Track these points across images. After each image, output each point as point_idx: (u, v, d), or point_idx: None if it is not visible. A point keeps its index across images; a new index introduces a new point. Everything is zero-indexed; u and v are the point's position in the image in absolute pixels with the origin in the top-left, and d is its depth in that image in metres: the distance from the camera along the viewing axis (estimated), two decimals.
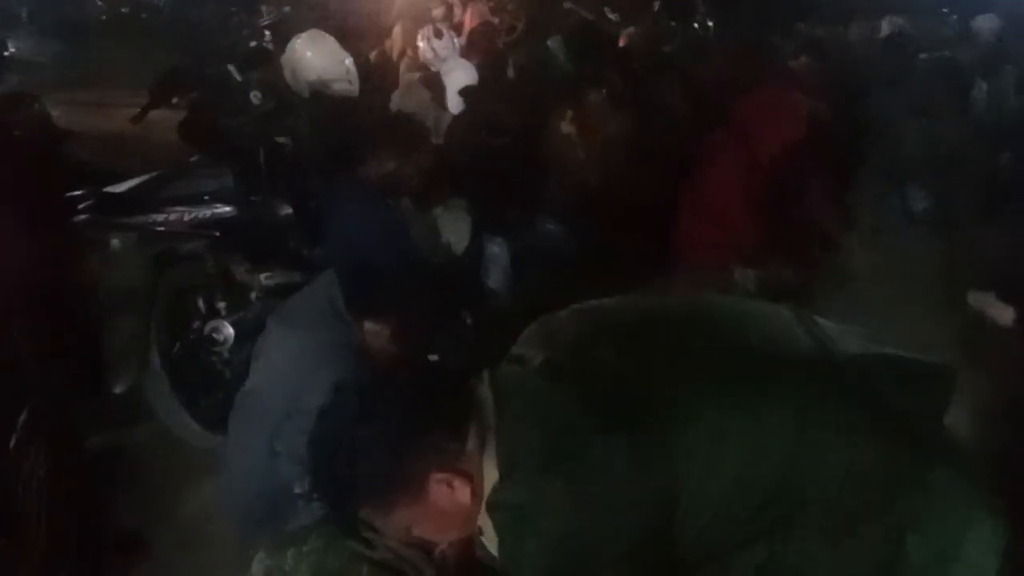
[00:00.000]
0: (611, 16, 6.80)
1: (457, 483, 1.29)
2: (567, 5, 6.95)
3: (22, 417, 2.25)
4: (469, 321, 3.43)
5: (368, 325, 2.60)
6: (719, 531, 1.20)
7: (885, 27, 5.30)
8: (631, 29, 5.84)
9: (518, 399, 1.27)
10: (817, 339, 1.30)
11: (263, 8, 6.01)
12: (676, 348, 1.29)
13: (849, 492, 1.18)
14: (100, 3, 8.09)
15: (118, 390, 2.73)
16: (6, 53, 5.71)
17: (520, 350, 1.35)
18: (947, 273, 3.82)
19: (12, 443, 2.20)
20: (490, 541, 1.34)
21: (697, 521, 1.19)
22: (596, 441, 1.19)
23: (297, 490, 2.45)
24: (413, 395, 1.35)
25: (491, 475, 1.29)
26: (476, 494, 1.30)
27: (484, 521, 1.33)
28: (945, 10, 6.07)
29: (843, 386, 1.24)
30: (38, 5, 7.61)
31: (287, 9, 5.58)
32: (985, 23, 5.13)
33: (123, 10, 8.20)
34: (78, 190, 2.86)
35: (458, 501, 1.29)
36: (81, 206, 2.81)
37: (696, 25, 6.68)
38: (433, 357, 3.11)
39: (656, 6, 6.86)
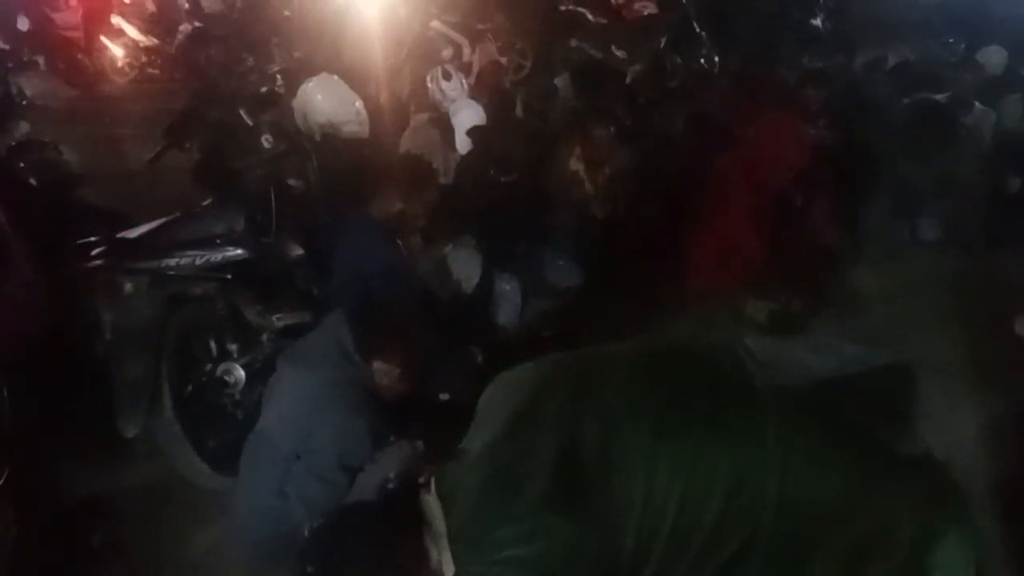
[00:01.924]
0: (618, 53, 6.87)
1: None
2: (574, 43, 7.03)
3: (3, 475, 2.27)
4: (479, 358, 3.42)
5: (377, 364, 2.60)
6: (669, 571, 1.20)
7: (891, 59, 5.32)
8: (637, 66, 5.90)
9: (463, 493, 1.28)
10: (758, 372, 1.30)
11: (275, 51, 6.12)
12: (615, 399, 1.29)
13: (792, 520, 1.17)
14: (119, 52, 8.26)
15: (129, 434, 2.73)
16: (24, 101, 5.83)
17: (465, 441, 1.37)
18: (957, 296, 3.80)
19: None
20: None
21: (644, 569, 1.19)
22: (537, 520, 1.22)
23: (306, 533, 2.44)
24: (371, 528, 1.36)
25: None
26: None
27: None
28: (951, 40, 6.09)
29: (784, 416, 1.24)
30: (54, 53, 7.78)
31: (298, 54, 5.67)
32: (991, 55, 5.14)
33: (133, 52, 8.36)
34: (91, 235, 2.89)
35: None
36: (94, 252, 2.83)
37: (702, 60, 6.74)
38: (444, 396, 3.11)
39: (662, 43, 6.93)
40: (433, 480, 1.35)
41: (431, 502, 1.33)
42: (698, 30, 6.96)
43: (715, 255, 3.68)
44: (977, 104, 4.61)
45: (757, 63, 5.80)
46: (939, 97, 4.41)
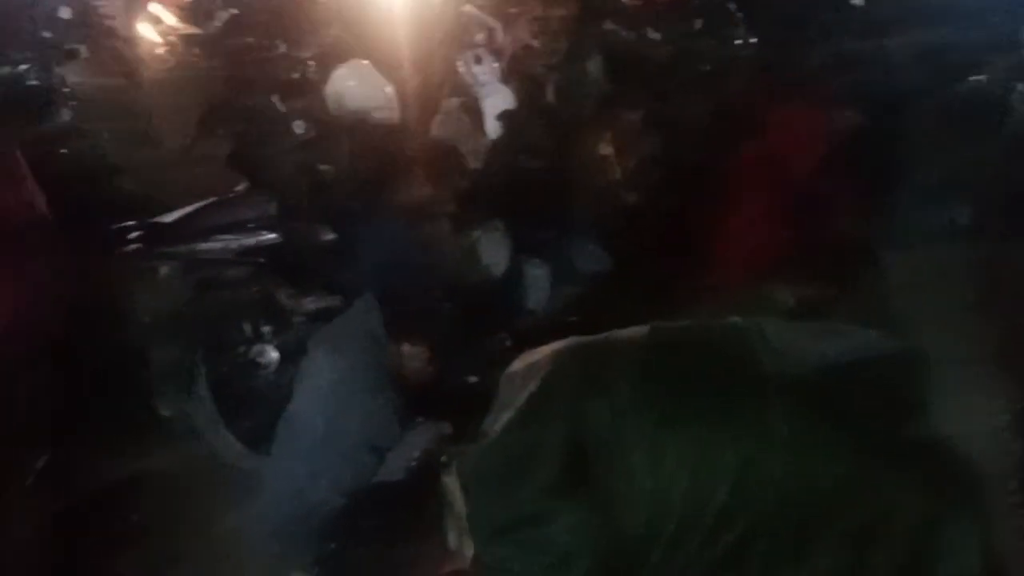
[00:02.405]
0: (652, 36, 6.79)
1: None
2: (608, 26, 6.97)
3: (39, 463, 2.34)
4: (508, 343, 3.45)
5: (406, 348, 2.65)
6: (673, 563, 1.21)
7: (930, 41, 5.20)
8: (671, 48, 5.83)
9: (479, 475, 1.31)
10: (768, 358, 1.31)
11: (308, 38, 6.14)
12: (624, 387, 1.31)
13: (797, 506, 1.18)
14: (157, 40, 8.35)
15: (166, 413, 2.81)
16: (66, 90, 5.93)
17: (485, 423, 1.39)
18: (985, 285, 3.73)
19: (30, 478, 2.28)
20: None
21: (650, 555, 1.20)
22: (545, 505, 1.24)
23: (328, 511, 2.49)
24: (388, 509, 1.38)
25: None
26: None
27: None
28: (995, 20, 5.92)
29: (786, 401, 1.24)
30: (94, 40, 7.88)
31: (330, 40, 5.69)
32: None
33: (172, 39, 8.43)
34: (128, 221, 2.97)
35: None
36: (131, 236, 2.91)
37: (738, 42, 6.64)
38: (473, 379, 3.15)
39: (698, 24, 6.83)
40: (455, 462, 1.38)
41: (451, 483, 1.36)
42: (734, 10, 6.86)
43: (743, 241, 3.65)
44: (1019, 86, 4.50)
45: (793, 45, 5.71)
46: (984, 80, 4.30)
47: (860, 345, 1.35)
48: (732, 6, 6.84)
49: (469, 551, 1.32)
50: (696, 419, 1.26)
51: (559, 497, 1.24)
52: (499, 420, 1.37)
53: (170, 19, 8.48)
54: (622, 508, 1.22)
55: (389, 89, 4.25)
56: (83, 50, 7.52)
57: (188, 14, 8.52)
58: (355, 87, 4.25)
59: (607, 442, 1.26)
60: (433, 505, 1.37)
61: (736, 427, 1.24)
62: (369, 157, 3.85)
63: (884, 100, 4.38)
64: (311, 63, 4.66)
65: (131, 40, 8.35)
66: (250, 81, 4.25)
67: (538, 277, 3.86)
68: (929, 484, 1.22)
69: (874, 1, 6.91)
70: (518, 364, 1.49)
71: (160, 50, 8.43)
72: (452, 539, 1.33)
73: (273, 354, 3.13)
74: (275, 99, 3.75)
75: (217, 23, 8.34)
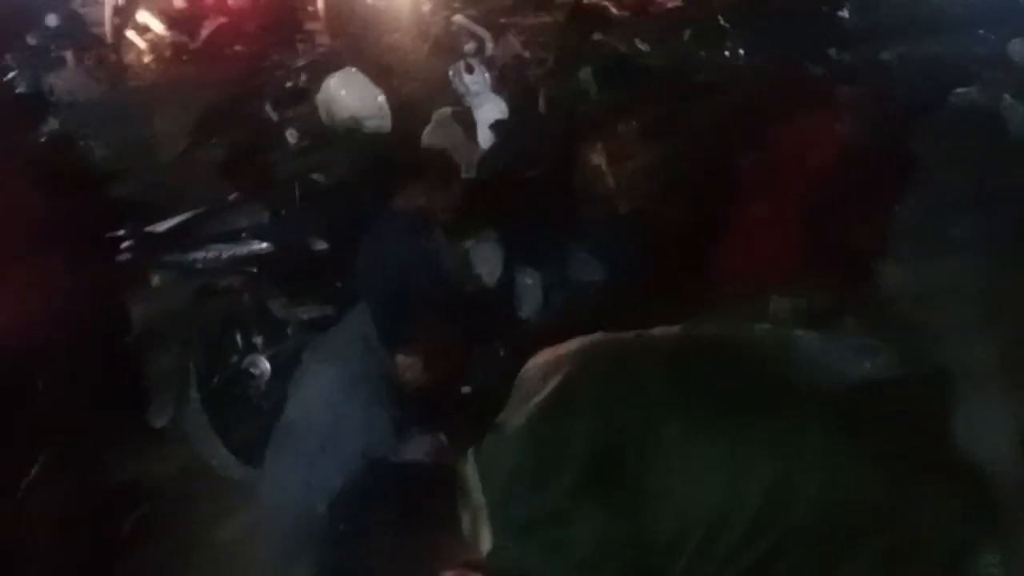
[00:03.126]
0: (641, 47, 6.83)
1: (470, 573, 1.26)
2: (597, 36, 7.00)
3: (39, 462, 2.32)
4: (503, 352, 3.44)
5: (401, 357, 2.63)
6: (699, 574, 1.19)
7: (921, 53, 5.25)
8: (661, 60, 5.87)
9: (499, 468, 1.27)
10: (803, 370, 1.29)
11: (299, 47, 6.15)
12: (655, 388, 1.27)
13: (825, 523, 1.16)
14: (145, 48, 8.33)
15: (158, 424, 2.78)
16: (55, 98, 5.89)
17: (502, 415, 1.36)
18: (992, 298, 3.74)
19: (24, 486, 2.25)
20: None
21: (676, 564, 1.17)
22: (569, 505, 1.20)
23: (338, 492, 2.46)
24: (400, 494, 1.34)
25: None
26: None
27: None
28: (981, 32, 5.98)
29: (823, 414, 1.22)
30: (80, 47, 7.85)
31: (322, 49, 5.71)
32: (1020, 47, 5.05)
33: (159, 47, 8.41)
34: (120, 229, 2.94)
35: None
36: (123, 245, 2.89)
37: (727, 53, 6.69)
38: (466, 389, 3.13)
39: (686, 35, 6.88)
40: (471, 451, 1.34)
41: (469, 472, 1.31)
42: (723, 23, 6.91)
43: (740, 252, 3.65)
44: (1006, 97, 4.54)
45: (783, 57, 5.75)
46: (976, 93, 4.34)
47: (892, 363, 1.32)
48: (721, 18, 6.90)
49: (485, 543, 1.28)
50: (729, 427, 1.22)
51: (584, 498, 1.20)
52: (518, 416, 1.32)
53: (158, 27, 8.48)
54: (649, 514, 1.19)
55: (381, 98, 4.26)
56: (70, 57, 7.53)
57: (176, 22, 8.54)
58: (347, 96, 4.26)
59: (635, 445, 1.22)
60: (447, 492, 1.32)
61: (770, 437, 1.20)
62: (362, 166, 3.84)
63: (876, 111, 4.41)
64: (303, 73, 4.67)
65: (118, 48, 8.34)
66: (243, 89, 4.24)
67: (531, 286, 3.85)
68: (964, 508, 1.20)
69: (863, 14, 7.00)
70: (538, 359, 1.44)
71: (147, 58, 8.43)
72: (466, 528, 1.29)
73: (265, 364, 3.10)
74: (268, 108, 3.74)
75: (205, 31, 8.35)
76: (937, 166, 4.13)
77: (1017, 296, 3.65)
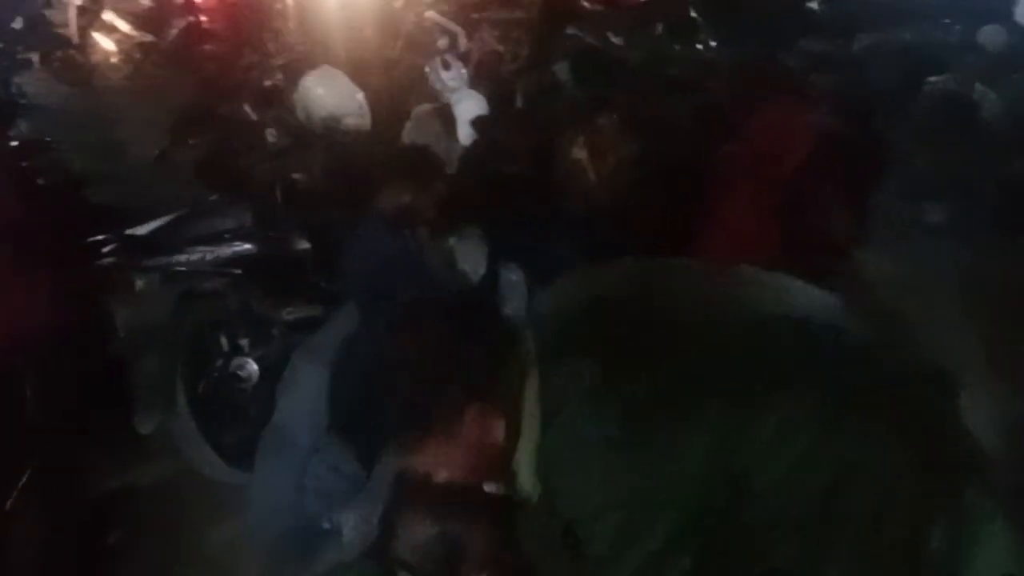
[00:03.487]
0: (615, 40, 6.85)
1: (492, 418, 1.22)
2: (570, 31, 7.01)
3: (23, 479, 2.28)
4: (488, 348, 3.42)
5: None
6: (776, 532, 1.12)
7: (893, 43, 5.33)
8: (636, 53, 5.89)
9: (571, 339, 1.21)
10: (805, 358, 1.23)
11: (271, 46, 6.09)
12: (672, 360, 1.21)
13: (820, 493, 1.11)
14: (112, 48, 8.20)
15: (145, 431, 2.74)
16: (24, 100, 5.79)
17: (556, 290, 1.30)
18: (964, 282, 3.80)
19: (8, 505, 2.22)
20: (526, 485, 1.25)
21: (760, 516, 1.11)
22: (660, 415, 1.12)
23: (326, 526, 2.45)
24: (451, 317, 1.29)
25: (531, 414, 1.22)
26: (511, 432, 1.22)
27: (521, 465, 1.24)
28: (947, 20, 6.07)
29: (825, 405, 1.16)
30: (45, 49, 7.71)
31: (300, 48, 5.66)
32: (991, 35, 5.13)
33: (127, 48, 8.28)
34: (100, 234, 2.90)
35: (492, 437, 1.22)
36: (104, 249, 2.84)
37: (700, 46, 6.73)
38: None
39: (659, 28, 6.91)
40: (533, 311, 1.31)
41: (528, 331, 1.28)
42: (694, 15, 6.95)
43: (721, 244, 3.68)
44: (977, 85, 4.62)
45: (755, 48, 5.79)
46: (949, 81, 4.40)
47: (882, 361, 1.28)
48: (692, 11, 6.93)
49: (532, 390, 1.22)
50: (818, 384, 1.14)
51: (639, 433, 1.11)
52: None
53: (125, 27, 8.35)
54: (741, 446, 1.10)
55: (360, 95, 4.23)
56: (36, 60, 7.39)
57: (144, 21, 8.42)
58: (325, 94, 4.22)
59: (664, 405, 1.14)
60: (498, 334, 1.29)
61: (766, 402, 1.13)
62: (343, 165, 3.81)
63: (849, 101, 4.46)
64: (279, 72, 4.62)
65: (85, 49, 8.19)
66: (219, 89, 4.19)
67: (515, 283, 3.84)
68: (967, 495, 1.17)
69: (832, 4, 7.08)
70: (579, 286, 1.42)
71: (115, 58, 8.29)
72: (510, 375, 1.22)
73: (253, 367, 3.07)
74: (247, 107, 3.70)
75: (174, 30, 8.24)
76: (912, 154, 4.19)
77: (992, 278, 3.72)
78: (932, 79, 4.53)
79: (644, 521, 1.11)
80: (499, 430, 1.22)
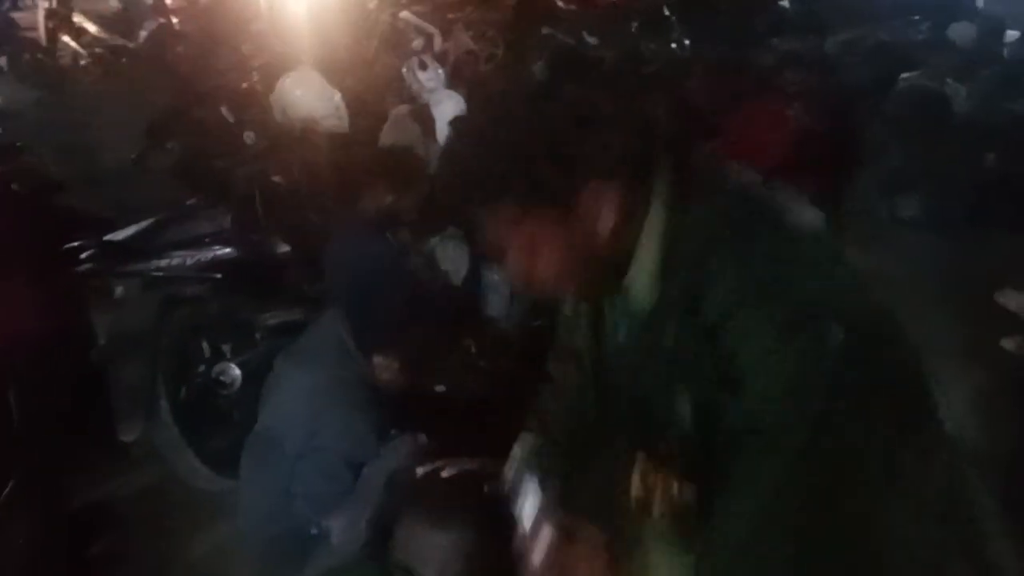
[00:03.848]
0: (590, 40, 6.89)
1: (608, 205, 1.14)
2: (545, 31, 7.03)
3: (7, 489, 2.26)
4: (474, 350, 3.43)
5: (377, 359, 2.60)
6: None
7: (864, 40, 5.40)
8: (611, 52, 5.92)
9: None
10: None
11: (244, 48, 6.04)
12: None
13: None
14: (82, 51, 8.10)
15: (128, 438, 2.70)
16: None
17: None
18: (939, 274, 3.86)
19: None
20: (633, 301, 1.19)
21: None
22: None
23: (313, 531, 2.44)
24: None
25: (655, 218, 1.15)
26: (618, 234, 1.14)
27: (635, 280, 1.17)
28: (916, 17, 6.17)
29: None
30: (14, 52, 7.61)
31: (278, 49, 5.62)
32: (961, 31, 5.22)
33: (97, 50, 8.18)
34: (78, 240, 2.86)
35: (601, 226, 1.13)
36: (83, 255, 2.80)
37: (674, 45, 6.78)
38: (440, 388, 3.11)
39: (633, 27, 6.96)
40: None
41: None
42: (667, 14, 7.01)
43: None
44: (948, 80, 4.69)
45: (728, 47, 5.85)
46: (921, 77, 4.47)
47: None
48: (666, 10, 6.99)
49: (657, 209, 1.17)
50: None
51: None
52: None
53: (95, 30, 8.26)
54: None
55: (338, 97, 4.21)
56: (4, 63, 7.28)
57: (114, 24, 8.33)
58: (302, 96, 4.20)
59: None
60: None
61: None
62: (322, 167, 3.79)
63: (823, 98, 4.51)
64: (256, 73, 4.58)
65: (54, 52, 8.08)
66: (195, 92, 4.15)
67: (498, 282, 3.84)
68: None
69: (803, 3, 7.17)
70: None
71: (84, 61, 8.19)
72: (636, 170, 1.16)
73: (236, 372, 3.04)
74: (224, 109, 3.66)
75: (144, 32, 8.16)
76: (885, 149, 4.25)
77: (964, 268, 3.79)
78: (904, 75, 4.59)
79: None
80: (609, 221, 1.14)
